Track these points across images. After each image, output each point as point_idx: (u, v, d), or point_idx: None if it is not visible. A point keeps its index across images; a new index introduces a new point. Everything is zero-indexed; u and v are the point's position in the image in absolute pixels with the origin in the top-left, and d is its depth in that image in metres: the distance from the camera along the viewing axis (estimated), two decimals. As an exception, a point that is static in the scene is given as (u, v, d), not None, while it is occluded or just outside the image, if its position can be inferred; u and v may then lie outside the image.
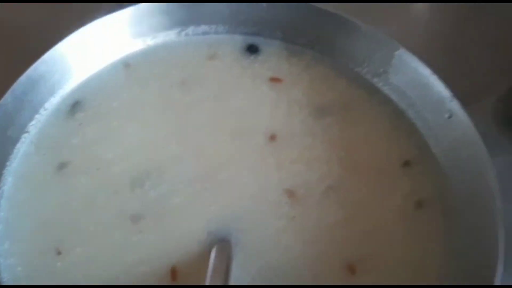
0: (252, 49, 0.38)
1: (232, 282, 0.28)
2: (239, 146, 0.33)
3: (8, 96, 0.30)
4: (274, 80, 0.36)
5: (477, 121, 0.32)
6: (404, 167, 0.33)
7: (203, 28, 0.37)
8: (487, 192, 0.29)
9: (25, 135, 0.32)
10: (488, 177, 0.29)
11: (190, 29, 0.37)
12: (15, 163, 0.31)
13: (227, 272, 0.28)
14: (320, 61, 0.37)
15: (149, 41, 0.37)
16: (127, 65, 0.36)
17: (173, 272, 0.29)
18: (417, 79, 0.34)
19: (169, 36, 0.37)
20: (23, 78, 0.31)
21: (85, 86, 0.34)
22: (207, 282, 0.26)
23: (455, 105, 0.32)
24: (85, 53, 0.34)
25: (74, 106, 0.34)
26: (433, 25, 0.45)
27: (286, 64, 0.37)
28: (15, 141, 0.31)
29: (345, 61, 0.37)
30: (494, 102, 0.41)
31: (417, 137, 0.34)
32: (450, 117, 0.32)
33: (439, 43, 0.43)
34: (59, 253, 0.29)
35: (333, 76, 0.37)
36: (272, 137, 0.34)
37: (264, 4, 0.37)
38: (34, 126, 0.32)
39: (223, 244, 0.29)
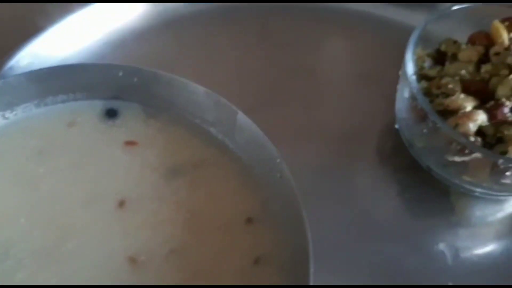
0: (111, 113, 0.39)
1: None
2: (89, 214, 0.35)
3: None
4: (129, 143, 0.38)
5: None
6: (246, 224, 0.36)
7: (61, 97, 0.39)
8: (304, 253, 0.31)
9: None
10: (305, 239, 0.31)
11: (49, 99, 0.39)
12: None
13: None
14: (175, 122, 0.39)
15: (8, 114, 0.38)
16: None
17: None
18: (254, 140, 0.36)
19: (29, 107, 0.39)
20: None
21: None
22: None
23: (283, 166, 0.34)
24: None
25: None
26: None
27: (143, 126, 0.39)
28: None
29: (198, 122, 0.39)
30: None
31: (261, 193, 0.36)
32: (280, 177, 0.35)
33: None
34: None
35: (188, 136, 0.39)
36: (122, 203, 0.36)
37: (120, 72, 0.38)
38: None
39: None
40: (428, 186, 0.45)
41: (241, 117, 0.36)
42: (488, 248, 0.43)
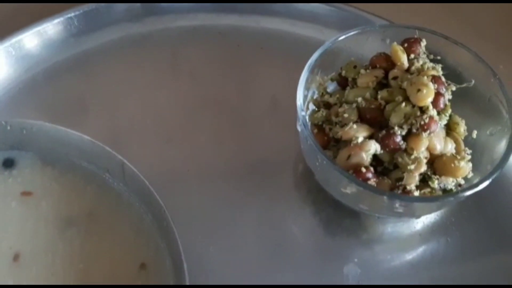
0: (8, 163, 0.40)
1: None
2: (-18, 271, 0.36)
3: None
4: (25, 194, 0.39)
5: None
6: (140, 270, 0.37)
7: (-45, 152, 0.39)
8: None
9: None
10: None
11: None
12: None
13: None
14: (71, 170, 0.40)
15: None
16: None
17: None
18: (142, 190, 0.37)
19: None
20: None
21: None
22: None
23: (167, 215, 0.35)
24: None
25: None
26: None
27: (40, 175, 0.40)
28: None
29: (94, 168, 0.39)
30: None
31: (154, 239, 0.37)
32: (166, 225, 0.35)
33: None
34: None
35: (83, 184, 0.39)
36: (16, 257, 0.36)
37: (8, 126, 0.39)
38: None
39: None
40: (340, 207, 0.46)
41: (127, 167, 0.36)
42: (394, 263, 0.44)
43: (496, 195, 0.46)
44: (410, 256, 0.45)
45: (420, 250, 0.45)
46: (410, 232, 0.46)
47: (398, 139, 0.40)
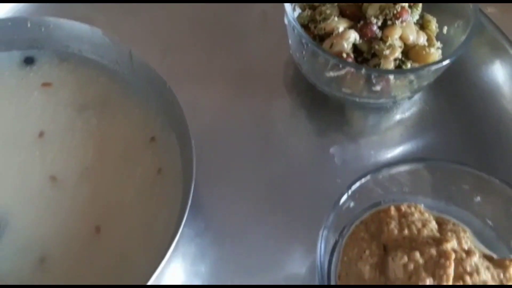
0: (28, 61, 0.45)
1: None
2: (13, 146, 0.41)
3: None
4: (45, 85, 0.44)
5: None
6: (150, 142, 0.42)
7: (-18, 50, 0.44)
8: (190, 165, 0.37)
9: None
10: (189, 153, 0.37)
11: (-29, 53, 0.44)
12: None
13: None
14: (85, 63, 0.45)
15: None
16: None
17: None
18: (148, 74, 0.42)
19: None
20: None
21: None
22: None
23: (172, 91, 0.40)
24: None
25: None
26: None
27: (57, 69, 0.45)
28: None
29: (105, 62, 0.44)
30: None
31: (161, 118, 0.42)
32: (172, 101, 0.40)
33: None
34: None
35: (95, 75, 0.44)
36: (41, 134, 0.42)
37: (28, 24, 0.44)
38: None
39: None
40: (326, 105, 0.51)
41: (134, 54, 0.41)
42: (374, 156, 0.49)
43: (466, 87, 0.52)
44: (390, 143, 0.50)
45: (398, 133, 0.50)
46: (390, 125, 0.51)
47: (374, 28, 0.45)
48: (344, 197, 0.37)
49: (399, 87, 0.45)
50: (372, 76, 0.43)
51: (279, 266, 0.42)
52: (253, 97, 0.51)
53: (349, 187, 0.37)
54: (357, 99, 0.47)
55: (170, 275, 0.41)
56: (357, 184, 0.37)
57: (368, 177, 0.38)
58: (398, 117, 0.51)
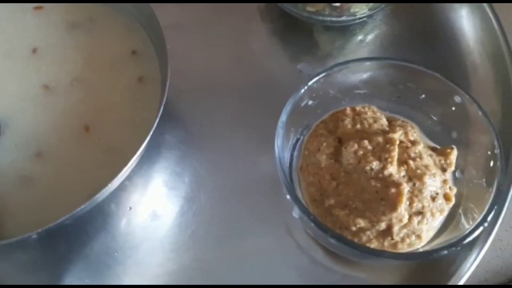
0: (20, -13, 0.49)
1: (2, 151, 0.41)
2: (9, 61, 0.46)
3: None
4: (37, 8, 0.49)
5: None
6: (132, 55, 0.47)
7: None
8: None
9: None
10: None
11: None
12: None
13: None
14: (73, -13, 0.49)
15: None
16: None
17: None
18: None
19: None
20: None
21: None
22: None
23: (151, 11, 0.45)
24: None
25: None
26: None
27: (48, -7, 0.49)
28: None
29: (92, -16, 0.49)
30: None
31: (143, 34, 0.47)
32: (149, 15, 0.45)
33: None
34: None
35: (82, -2, 0.49)
36: (34, 50, 0.47)
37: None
38: None
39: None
40: (297, 30, 0.56)
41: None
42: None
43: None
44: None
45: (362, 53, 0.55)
46: (354, 46, 0.56)
47: None
48: (302, 91, 0.42)
49: (357, 3, 0.49)
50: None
51: (254, 165, 0.48)
52: (230, 20, 0.56)
53: (306, 82, 0.42)
54: (321, 18, 0.52)
55: (156, 174, 0.47)
56: (314, 79, 0.42)
57: (323, 74, 0.42)
58: (360, 37, 0.56)
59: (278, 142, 0.40)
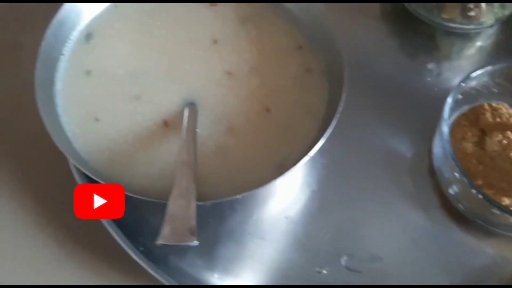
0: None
1: (198, 126, 0.49)
2: (193, 49, 0.53)
3: (48, 33, 0.50)
4: (213, 5, 0.56)
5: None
6: (298, 49, 0.54)
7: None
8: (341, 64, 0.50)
9: (62, 56, 0.52)
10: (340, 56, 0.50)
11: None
12: (59, 73, 0.51)
13: (194, 119, 0.49)
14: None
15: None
16: (116, 5, 0.55)
17: (165, 123, 0.50)
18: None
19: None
20: (54, 21, 0.50)
21: (91, 22, 0.54)
22: (184, 127, 0.47)
23: (322, 11, 0.52)
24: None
25: (87, 35, 0.53)
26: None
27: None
28: (56, 60, 0.51)
29: (258, -13, 0.56)
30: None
31: (306, 31, 0.55)
32: (321, 18, 0.52)
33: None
34: (97, 119, 0.50)
35: (251, -3, 0.56)
36: (215, 41, 0.54)
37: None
38: (66, 50, 0.52)
39: (191, 106, 0.50)
40: (418, 32, 0.63)
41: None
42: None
43: None
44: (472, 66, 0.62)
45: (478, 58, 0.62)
46: (474, 48, 0.63)
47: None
48: (462, 86, 0.49)
49: (487, 13, 0.57)
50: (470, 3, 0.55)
51: (395, 150, 0.55)
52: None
53: (464, 80, 0.49)
54: (450, 24, 0.59)
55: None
56: (469, 77, 0.49)
57: (479, 72, 0.50)
58: (479, 44, 0.63)
59: (444, 130, 0.47)
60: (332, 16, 0.52)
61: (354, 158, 0.55)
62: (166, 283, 0.48)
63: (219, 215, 0.53)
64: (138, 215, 0.52)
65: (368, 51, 0.61)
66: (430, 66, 0.61)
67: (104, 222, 0.50)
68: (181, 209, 0.41)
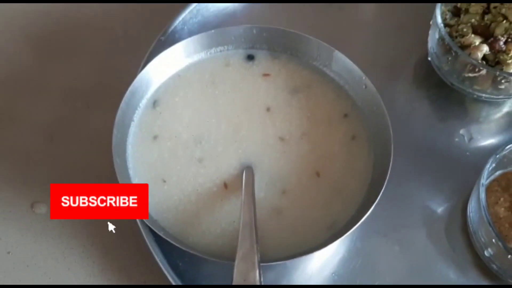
0: (250, 57, 0.63)
1: (255, 187, 0.54)
2: (249, 116, 0.59)
3: (122, 103, 0.56)
4: (265, 75, 0.62)
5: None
6: (344, 118, 0.60)
7: (220, 48, 0.63)
8: (386, 131, 0.55)
9: (132, 122, 0.58)
10: (386, 123, 0.55)
11: (212, 50, 0.63)
12: (130, 138, 0.57)
13: (252, 182, 0.54)
14: (291, 60, 0.63)
15: (190, 60, 0.62)
16: (179, 75, 0.61)
17: (225, 184, 0.55)
18: (346, 67, 0.60)
19: (201, 55, 0.62)
20: (128, 92, 0.56)
21: (158, 90, 0.60)
22: (243, 187, 0.53)
23: (367, 81, 0.58)
24: (158, 71, 0.59)
25: (155, 102, 0.59)
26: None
27: (271, 64, 0.63)
28: (128, 126, 0.57)
29: (306, 59, 0.62)
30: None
31: (350, 100, 0.60)
32: (365, 87, 0.58)
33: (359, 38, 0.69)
34: (164, 181, 0.55)
35: (300, 69, 0.62)
36: (268, 109, 0.60)
37: (254, 30, 0.62)
38: (136, 116, 0.58)
39: (248, 169, 0.56)
40: (450, 98, 0.68)
41: (336, 53, 0.59)
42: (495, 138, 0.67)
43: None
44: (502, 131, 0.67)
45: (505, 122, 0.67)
46: (501, 114, 0.68)
47: (501, 43, 0.62)
48: (498, 156, 0.54)
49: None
50: (501, 77, 0.61)
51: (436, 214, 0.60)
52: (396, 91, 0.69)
53: (501, 152, 0.54)
54: (483, 95, 0.64)
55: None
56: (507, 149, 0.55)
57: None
58: (505, 109, 0.68)
59: (482, 196, 0.52)
60: (372, 83, 0.58)
61: (394, 215, 0.60)
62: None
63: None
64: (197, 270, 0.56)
65: (404, 116, 0.66)
66: (462, 131, 0.66)
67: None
68: (246, 270, 0.45)
